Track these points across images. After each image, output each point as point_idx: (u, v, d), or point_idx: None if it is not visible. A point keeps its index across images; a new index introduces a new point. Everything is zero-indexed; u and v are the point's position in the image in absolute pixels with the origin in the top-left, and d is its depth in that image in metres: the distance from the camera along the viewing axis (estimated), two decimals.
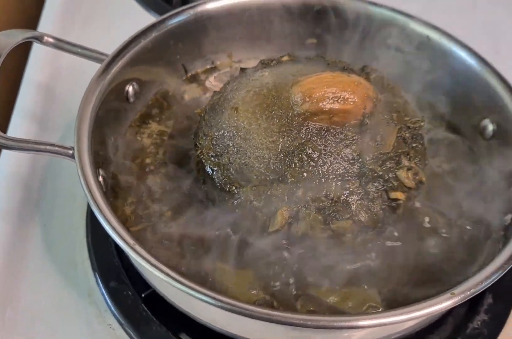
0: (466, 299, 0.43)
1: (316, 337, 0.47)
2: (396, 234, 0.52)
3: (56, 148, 0.49)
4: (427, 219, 0.54)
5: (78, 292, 0.57)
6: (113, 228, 0.44)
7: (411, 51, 0.62)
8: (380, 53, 0.63)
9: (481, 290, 0.43)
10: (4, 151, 0.65)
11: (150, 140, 0.60)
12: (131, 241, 0.43)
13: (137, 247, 0.43)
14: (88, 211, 0.62)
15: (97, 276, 0.58)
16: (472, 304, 0.58)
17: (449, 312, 0.58)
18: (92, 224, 0.61)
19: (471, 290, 0.43)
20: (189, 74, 0.66)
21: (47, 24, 0.79)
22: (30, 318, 0.55)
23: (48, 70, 0.73)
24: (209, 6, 0.62)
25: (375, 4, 0.64)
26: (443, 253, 0.53)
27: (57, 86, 0.72)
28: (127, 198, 0.55)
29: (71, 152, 0.49)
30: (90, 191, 0.46)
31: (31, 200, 0.62)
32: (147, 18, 0.82)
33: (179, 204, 0.54)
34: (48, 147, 0.49)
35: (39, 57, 0.74)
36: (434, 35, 0.62)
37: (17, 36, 0.53)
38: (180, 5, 0.65)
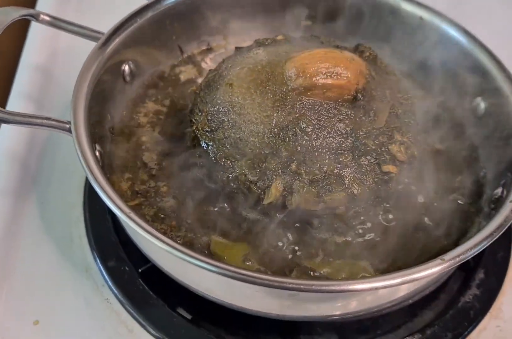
0: (455, 265, 0.44)
1: (311, 307, 0.48)
2: (389, 207, 0.52)
3: (53, 122, 0.50)
4: (419, 194, 0.54)
5: (75, 268, 0.58)
6: (110, 199, 0.45)
7: (404, 32, 0.63)
8: (373, 34, 0.64)
9: (470, 257, 0.44)
10: (2, 129, 0.65)
11: (146, 119, 0.61)
12: (127, 210, 0.44)
13: (133, 216, 0.44)
14: (85, 188, 0.63)
15: (94, 252, 0.59)
16: (465, 280, 0.59)
17: (442, 288, 0.59)
18: (90, 201, 0.62)
19: (460, 256, 0.44)
20: (185, 55, 0.67)
21: (44, 3, 0.79)
22: (28, 293, 0.56)
23: (46, 50, 0.74)
24: None
25: None
26: (435, 227, 0.53)
27: (54, 66, 0.74)
28: (123, 174, 0.56)
29: (67, 126, 0.50)
30: (86, 161, 0.46)
31: (28, 177, 0.63)
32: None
33: (174, 180, 0.55)
34: (44, 121, 0.50)
35: (37, 37, 0.74)
36: (427, 16, 0.62)
37: (13, 13, 0.54)
38: None
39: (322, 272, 0.50)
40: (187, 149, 0.56)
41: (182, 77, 0.66)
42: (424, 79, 0.63)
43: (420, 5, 0.62)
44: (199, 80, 0.65)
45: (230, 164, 0.50)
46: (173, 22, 0.63)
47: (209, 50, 0.68)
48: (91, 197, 0.63)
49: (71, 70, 0.72)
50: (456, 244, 0.51)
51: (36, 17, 0.56)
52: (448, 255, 0.44)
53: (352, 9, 0.66)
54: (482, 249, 0.45)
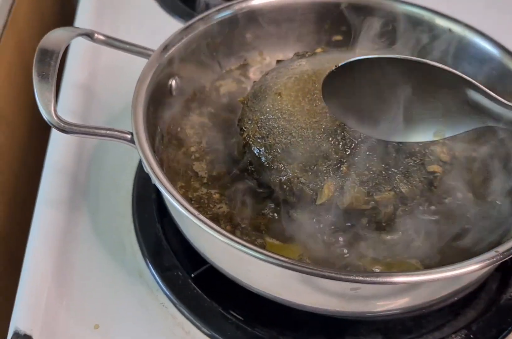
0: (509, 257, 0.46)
1: (370, 302, 0.51)
2: (434, 207, 0.55)
3: (115, 132, 0.54)
4: (459, 194, 0.57)
5: (130, 274, 0.61)
6: (180, 203, 0.48)
7: (435, 44, 0.66)
8: (405, 47, 0.67)
9: None
10: (50, 144, 0.69)
11: (193, 130, 0.64)
12: (195, 212, 0.47)
13: (201, 217, 0.47)
14: (133, 198, 0.66)
15: (147, 259, 0.62)
16: (503, 279, 0.62)
17: (481, 288, 0.62)
18: (138, 210, 0.66)
19: None
20: (224, 71, 0.71)
21: (82, 21, 0.87)
22: (86, 299, 0.59)
23: (86, 68, 0.78)
24: (252, 3, 0.67)
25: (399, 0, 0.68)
26: (478, 226, 0.56)
27: (94, 84, 0.77)
28: (176, 183, 0.59)
29: (129, 136, 0.53)
30: (152, 169, 0.50)
31: (78, 189, 0.67)
32: (171, 22, 0.88)
33: (226, 186, 0.58)
34: (108, 132, 0.54)
35: (78, 56, 0.78)
36: (456, 28, 0.66)
37: (73, 32, 0.58)
38: (204, 10, 0.69)
39: (373, 269, 0.53)
40: (236, 157, 0.59)
41: (222, 90, 0.69)
42: None
43: (450, 18, 0.66)
44: (238, 92, 0.68)
45: (283, 167, 0.54)
46: (214, 39, 0.67)
47: (246, 65, 0.72)
48: (139, 207, 0.66)
49: (110, 87, 0.77)
50: (499, 242, 0.54)
51: (91, 36, 0.60)
52: (502, 247, 0.47)
53: (382, 24, 0.69)
54: None
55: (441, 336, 0.58)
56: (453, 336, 0.58)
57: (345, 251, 0.54)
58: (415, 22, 0.68)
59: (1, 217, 0.80)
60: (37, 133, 0.95)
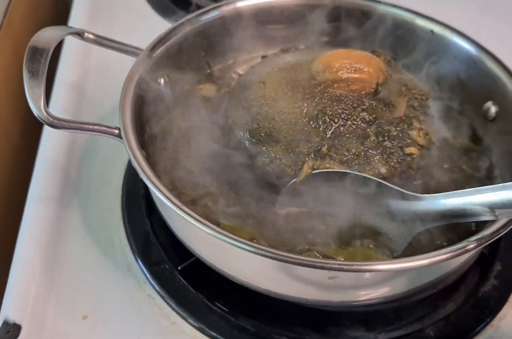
0: (481, 246, 0.48)
1: (348, 292, 0.53)
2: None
3: (103, 127, 0.56)
4: (437, 176, 0.60)
5: (118, 267, 0.63)
6: (165, 195, 0.49)
7: (417, 45, 0.69)
8: (387, 47, 0.69)
9: (496, 238, 0.49)
10: (42, 140, 0.70)
11: (182, 122, 0.66)
12: (179, 203, 0.49)
13: (185, 208, 0.49)
14: (122, 194, 0.68)
15: (135, 253, 0.64)
16: (482, 273, 0.64)
17: (461, 281, 0.64)
18: (127, 206, 0.68)
19: (486, 238, 0.48)
20: (212, 69, 0.72)
21: (76, 20, 0.90)
22: (75, 291, 0.61)
23: (78, 67, 0.80)
24: (239, 4, 0.69)
25: (379, 2, 0.71)
26: None
27: (86, 83, 0.79)
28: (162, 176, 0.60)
29: (116, 131, 0.55)
30: (138, 162, 0.52)
31: (69, 185, 0.69)
32: (163, 24, 0.91)
33: (214, 170, 0.60)
34: (96, 127, 0.56)
35: (71, 55, 0.81)
36: (437, 28, 0.68)
37: (64, 31, 0.60)
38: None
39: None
40: (224, 144, 0.61)
41: (211, 88, 0.71)
42: (437, 86, 0.69)
43: (432, 19, 0.68)
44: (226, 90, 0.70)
45: (265, 150, 0.56)
46: (202, 39, 0.70)
47: (234, 64, 0.74)
48: (128, 202, 0.68)
49: (101, 86, 0.79)
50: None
51: (81, 35, 0.62)
52: (474, 237, 0.48)
53: (366, 25, 0.72)
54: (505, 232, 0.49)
55: (420, 327, 0.60)
56: (431, 326, 0.60)
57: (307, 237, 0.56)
58: (397, 24, 0.70)
59: None
60: (31, 133, 0.97)
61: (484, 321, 0.60)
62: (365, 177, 0.54)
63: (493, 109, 0.65)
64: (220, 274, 0.59)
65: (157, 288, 0.61)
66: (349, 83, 0.57)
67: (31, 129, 0.96)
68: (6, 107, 0.88)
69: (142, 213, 0.67)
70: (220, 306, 0.60)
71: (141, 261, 0.63)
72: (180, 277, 0.62)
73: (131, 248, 0.65)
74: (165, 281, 0.62)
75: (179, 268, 0.62)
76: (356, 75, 0.57)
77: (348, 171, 0.54)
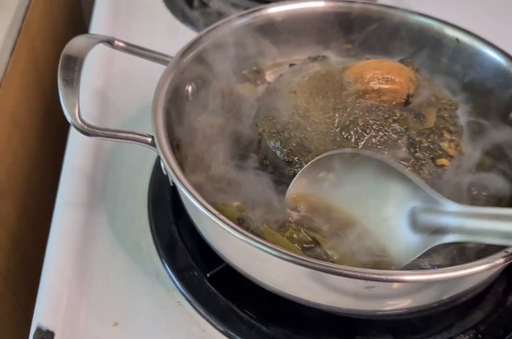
0: None
1: (383, 301, 0.53)
2: None
3: (137, 135, 0.56)
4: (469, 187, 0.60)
5: (147, 273, 0.63)
6: (201, 204, 0.50)
7: (443, 53, 0.69)
8: (414, 56, 0.70)
9: None
10: (68, 148, 0.71)
11: (209, 130, 0.66)
12: (216, 212, 0.49)
13: (222, 217, 0.49)
14: (149, 201, 0.69)
15: (163, 259, 0.64)
16: (509, 281, 0.64)
17: (488, 291, 0.64)
18: (154, 213, 0.68)
19: None
20: (238, 76, 0.73)
21: (98, 27, 0.91)
22: (106, 298, 0.62)
23: (103, 74, 0.80)
24: (265, 12, 0.69)
25: (408, 11, 0.71)
26: None
27: (110, 89, 0.79)
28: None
29: (149, 139, 0.56)
30: (174, 171, 0.52)
31: (96, 192, 0.70)
32: (184, 30, 0.92)
33: (242, 182, 0.60)
34: (129, 135, 0.56)
35: (95, 62, 0.81)
36: (463, 37, 0.69)
37: (95, 39, 0.61)
38: (217, 20, 0.72)
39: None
40: (252, 153, 0.62)
41: (239, 93, 0.71)
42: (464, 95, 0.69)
43: (457, 27, 0.69)
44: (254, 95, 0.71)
45: (297, 160, 0.56)
46: (229, 46, 0.70)
47: (261, 70, 0.74)
48: (155, 209, 0.69)
49: (125, 92, 0.79)
50: None
51: (111, 42, 0.63)
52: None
53: (391, 33, 0.72)
54: None
55: (449, 336, 0.61)
56: (461, 335, 0.60)
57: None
58: (423, 32, 0.70)
59: (15, 219, 0.83)
60: (48, 138, 0.98)
61: None
62: (401, 173, 0.53)
63: None
64: (249, 282, 0.59)
65: (186, 295, 0.62)
66: (381, 93, 0.58)
67: (49, 134, 0.97)
68: (24, 114, 0.89)
69: (169, 219, 0.67)
70: (250, 313, 0.60)
71: (169, 267, 0.64)
72: (209, 284, 0.62)
73: (159, 254, 0.65)
74: (194, 288, 0.62)
75: (208, 275, 0.62)
76: (387, 86, 0.57)
77: (386, 160, 0.54)
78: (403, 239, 0.54)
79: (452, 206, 0.51)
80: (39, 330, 0.56)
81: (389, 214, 0.55)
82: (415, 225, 0.53)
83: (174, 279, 0.63)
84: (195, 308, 0.61)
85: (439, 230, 0.52)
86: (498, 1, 1.04)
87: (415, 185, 0.53)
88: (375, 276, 0.46)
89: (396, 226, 0.54)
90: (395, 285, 0.50)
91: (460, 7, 0.98)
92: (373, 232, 0.54)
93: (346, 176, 0.56)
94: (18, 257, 0.84)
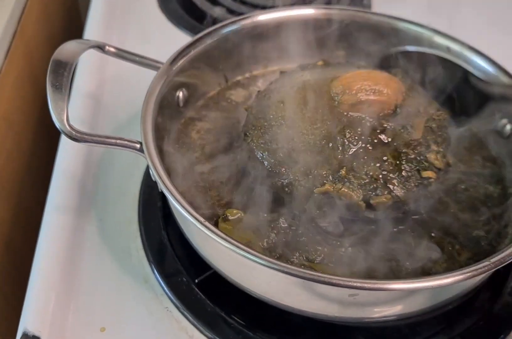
0: (501, 265, 0.49)
1: (367, 308, 0.53)
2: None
3: (125, 141, 0.56)
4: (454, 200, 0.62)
5: (135, 279, 0.64)
6: (187, 210, 0.50)
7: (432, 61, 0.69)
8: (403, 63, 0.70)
9: None
10: (59, 153, 0.71)
11: (198, 135, 0.66)
12: (202, 219, 0.49)
13: (208, 224, 0.49)
14: (139, 206, 0.69)
15: (152, 265, 0.65)
16: (495, 289, 0.65)
17: (476, 297, 0.64)
18: (144, 218, 0.69)
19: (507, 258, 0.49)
20: (229, 83, 0.73)
21: (92, 32, 0.91)
22: (93, 303, 0.62)
23: (94, 79, 0.81)
24: (257, 18, 0.69)
25: (399, 19, 0.71)
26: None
27: (102, 94, 0.80)
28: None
29: (138, 145, 0.56)
30: (161, 177, 0.52)
31: (86, 196, 0.70)
32: (178, 35, 0.92)
33: (231, 191, 0.60)
34: (118, 141, 0.56)
35: (86, 67, 0.81)
36: (454, 46, 0.69)
37: (86, 44, 0.61)
38: (211, 25, 0.72)
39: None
40: (240, 163, 0.62)
41: (228, 100, 0.72)
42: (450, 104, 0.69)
43: (448, 36, 0.69)
44: (243, 103, 0.71)
45: (284, 171, 0.57)
46: (220, 52, 0.70)
47: (252, 77, 0.75)
48: (145, 214, 0.69)
49: (116, 98, 0.80)
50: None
51: (102, 48, 0.63)
52: (495, 258, 0.49)
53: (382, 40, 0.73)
54: None
55: None
56: None
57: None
58: (415, 40, 0.71)
59: (6, 222, 0.83)
60: (42, 140, 0.98)
61: (499, 337, 0.61)
62: None
63: (508, 127, 0.65)
64: (237, 288, 0.59)
65: (174, 300, 0.62)
66: (368, 105, 0.58)
67: (43, 137, 0.97)
68: (19, 117, 0.89)
69: (159, 224, 0.68)
70: (238, 319, 0.61)
71: (158, 273, 0.64)
72: (197, 290, 0.62)
73: (148, 259, 0.65)
74: (182, 294, 0.62)
75: (196, 281, 0.63)
76: (375, 98, 0.58)
77: None
78: None
79: None
80: (25, 335, 0.56)
81: None
82: None
83: (163, 284, 0.63)
84: (183, 314, 0.61)
85: None
86: (492, 10, 1.04)
87: None
88: (358, 284, 0.46)
89: None
90: (380, 293, 0.50)
91: (451, 15, 0.98)
92: None
93: None
94: (10, 258, 0.84)
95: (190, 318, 0.61)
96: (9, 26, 0.87)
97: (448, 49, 0.70)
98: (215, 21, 0.91)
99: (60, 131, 0.56)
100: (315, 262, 0.57)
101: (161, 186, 0.53)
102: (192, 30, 0.93)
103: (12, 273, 0.85)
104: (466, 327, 0.62)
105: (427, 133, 0.59)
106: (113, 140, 0.57)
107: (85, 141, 0.56)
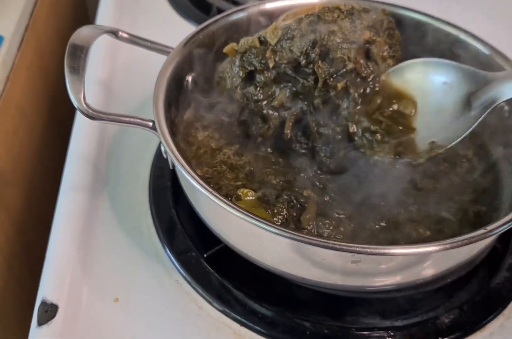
0: (497, 233, 0.52)
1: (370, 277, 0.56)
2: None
3: (138, 120, 0.60)
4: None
5: (147, 254, 0.67)
6: (199, 183, 0.54)
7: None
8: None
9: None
10: (73, 134, 0.75)
11: (206, 123, 0.70)
12: (215, 193, 0.53)
13: (218, 194, 0.53)
14: (150, 186, 0.73)
15: (163, 241, 0.67)
16: (494, 265, 0.67)
17: (474, 273, 0.67)
18: (154, 197, 0.72)
19: (503, 226, 0.52)
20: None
21: (104, 18, 0.96)
22: (107, 275, 0.66)
23: (107, 66, 0.84)
24: (264, 6, 0.73)
25: (401, 7, 0.75)
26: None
27: (113, 80, 0.83)
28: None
29: (150, 123, 0.60)
30: (173, 153, 0.56)
31: (99, 177, 0.74)
32: (184, 24, 0.97)
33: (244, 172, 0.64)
34: (132, 119, 0.60)
35: (99, 54, 0.84)
36: (462, 36, 0.72)
37: (100, 29, 0.65)
38: (216, 14, 0.75)
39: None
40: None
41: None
42: None
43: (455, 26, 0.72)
44: None
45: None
46: (228, 39, 0.73)
47: None
48: (155, 194, 0.73)
49: (128, 83, 0.83)
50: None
51: (116, 33, 0.66)
52: (491, 226, 0.52)
53: None
54: None
55: (435, 315, 0.64)
56: (446, 315, 0.63)
57: None
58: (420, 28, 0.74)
59: (19, 207, 0.87)
60: (52, 129, 1.02)
61: (496, 311, 0.64)
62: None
63: (506, 108, 0.69)
64: (244, 262, 0.62)
65: (184, 274, 0.65)
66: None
67: (54, 127, 1.01)
68: (30, 106, 0.93)
69: (168, 203, 0.71)
70: (244, 292, 0.64)
71: (168, 248, 0.67)
72: (205, 264, 0.66)
73: (159, 236, 0.69)
74: (191, 268, 0.66)
75: (205, 255, 0.66)
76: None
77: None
78: (456, 116, 0.61)
79: (499, 74, 0.60)
80: (44, 303, 0.60)
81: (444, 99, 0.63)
82: (469, 103, 0.60)
83: (173, 259, 0.66)
84: (192, 286, 0.65)
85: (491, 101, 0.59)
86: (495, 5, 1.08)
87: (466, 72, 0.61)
88: (360, 249, 0.50)
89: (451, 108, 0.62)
90: (382, 259, 0.53)
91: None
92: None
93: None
94: (23, 243, 0.88)
95: (199, 290, 0.64)
96: (21, 21, 0.91)
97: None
98: (220, 12, 0.95)
99: (78, 110, 0.59)
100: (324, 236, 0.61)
101: (172, 159, 0.57)
102: (198, 21, 0.97)
103: (24, 255, 0.88)
104: (464, 300, 0.65)
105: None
106: (127, 118, 0.60)
107: (101, 119, 0.60)
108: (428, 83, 0.65)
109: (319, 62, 0.62)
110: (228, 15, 0.73)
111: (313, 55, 0.62)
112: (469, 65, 0.63)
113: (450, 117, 0.62)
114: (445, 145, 0.61)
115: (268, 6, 0.75)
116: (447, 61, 0.64)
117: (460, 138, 0.60)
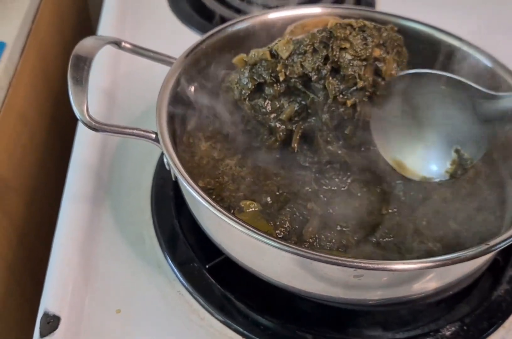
0: (499, 249, 0.52)
1: (372, 290, 0.57)
2: None
3: (141, 132, 0.60)
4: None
5: (149, 264, 0.67)
6: (201, 195, 0.54)
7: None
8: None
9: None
10: (75, 144, 0.75)
11: (209, 133, 0.70)
12: (217, 206, 0.53)
13: (221, 209, 0.53)
14: (152, 195, 0.73)
15: (165, 251, 0.68)
16: (495, 278, 0.68)
17: (475, 285, 0.68)
18: (157, 206, 0.72)
19: (504, 242, 0.52)
20: None
21: (105, 29, 0.95)
22: (109, 286, 0.66)
23: (109, 76, 0.84)
24: (267, 16, 0.73)
25: (403, 17, 0.75)
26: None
27: (116, 90, 0.84)
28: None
29: (153, 135, 0.60)
30: (176, 165, 0.56)
31: (101, 186, 0.74)
32: (187, 33, 0.97)
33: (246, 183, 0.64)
34: (135, 131, 0.60)
35: (101, 64, 0.85)
36: (462, 46, 0.72)
37: (103, 40, 0.65)
38: (220, 23, 0.76)
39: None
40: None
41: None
42: None
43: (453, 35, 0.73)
44: None
45: None
46: (231, 49, 0.73)
47: None
48: (158, 203, 0.73)
49: (130, 93, 0.84)
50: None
51: (119, 44, 0.67)
52: (492, 241, 0.52)
53: None
54: None
55: (436, 327, 0.64)
56: (447, 327, 0.64)
57: None
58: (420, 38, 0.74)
59: (21, 213, 0.87)
60: (55, 136, 1.02)
61: (497, 323, 0.64)
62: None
63: None
64: (246, 273, 0.63)
65: (186, 285, 0.65)
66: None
67: (55, 134, 1.01)
68: (33, 113, 0.93)
69: (171, 214, 0.71)
70: (247, 303, 0.64)
71: (170, 259, 0.67)
72: (208, 275, 0.66)
73: (161, 246, 0.69)
74: (193, 279, 0.66)
75: (207, 266, 0.66)
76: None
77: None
78: (470, 132, 0.63)
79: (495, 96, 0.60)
80: (46, 314, 0.60)
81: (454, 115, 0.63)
82: (480, 117, 0.61)
83: (175, 270, 0.67)
84: (194, 297, 0.65)
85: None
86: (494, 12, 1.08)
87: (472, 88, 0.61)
88: (362, 264, 0.50)
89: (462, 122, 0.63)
90: (384, 274, 0.53)
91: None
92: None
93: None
94: (25, 249, 0.88)
95: (201, 301, 0.64)
96: (23, 26, 0.91)
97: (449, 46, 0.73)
98: (223, 20, 0.95)
99: (81, 121, 0.59)
100: (327, 249, 0.61)
101: (174, 171, 0.57)
102: (201, 29, 0.97)
103: (26, 261, 0.89)
104: (466, 313, 0.65)
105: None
106: (130, 130, 0.61)
107: (104, 130, 0.60)
108: (425, 95, 0.65)
109: (330, 78, 0.62)
110: (231, 25, 0.73)
111: (324, 71, 0.62)
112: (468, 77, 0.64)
113: (465, 125, 0.63)
114: (471, 158, 0.63)
115: (271, 16, 0.76)
116: (438, 72, 0.64)
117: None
